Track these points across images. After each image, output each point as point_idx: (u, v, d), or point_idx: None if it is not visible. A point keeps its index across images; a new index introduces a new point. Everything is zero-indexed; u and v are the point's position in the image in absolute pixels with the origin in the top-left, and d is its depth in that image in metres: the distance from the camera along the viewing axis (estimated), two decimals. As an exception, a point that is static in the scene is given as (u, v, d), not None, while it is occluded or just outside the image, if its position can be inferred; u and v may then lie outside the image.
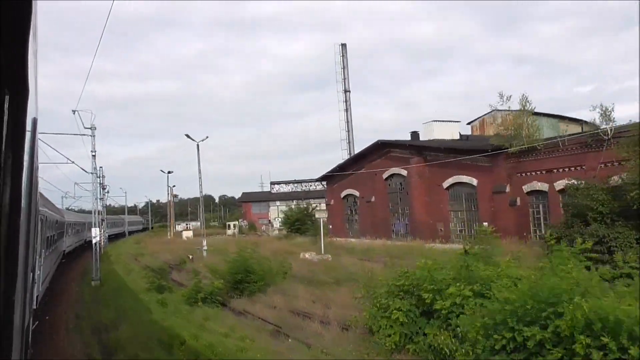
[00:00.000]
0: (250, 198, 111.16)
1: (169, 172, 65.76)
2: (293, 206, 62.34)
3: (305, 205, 60.88)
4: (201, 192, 40.83)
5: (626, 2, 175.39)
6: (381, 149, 40.39)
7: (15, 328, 1.08)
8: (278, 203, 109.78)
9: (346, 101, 55.68)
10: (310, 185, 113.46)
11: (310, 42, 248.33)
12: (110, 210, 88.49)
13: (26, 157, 1.12)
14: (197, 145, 39.35)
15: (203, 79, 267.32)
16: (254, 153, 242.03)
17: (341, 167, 46.05)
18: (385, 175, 40.36)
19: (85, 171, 29.33)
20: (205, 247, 37.83)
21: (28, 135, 1.15)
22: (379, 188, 40.91)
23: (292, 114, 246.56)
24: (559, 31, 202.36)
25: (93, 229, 28.48)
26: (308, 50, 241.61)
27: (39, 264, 11.72)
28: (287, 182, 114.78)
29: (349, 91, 55.14)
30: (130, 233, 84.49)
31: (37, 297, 12.63)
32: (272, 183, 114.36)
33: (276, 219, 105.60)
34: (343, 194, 46.30)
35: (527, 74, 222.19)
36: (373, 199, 41.59)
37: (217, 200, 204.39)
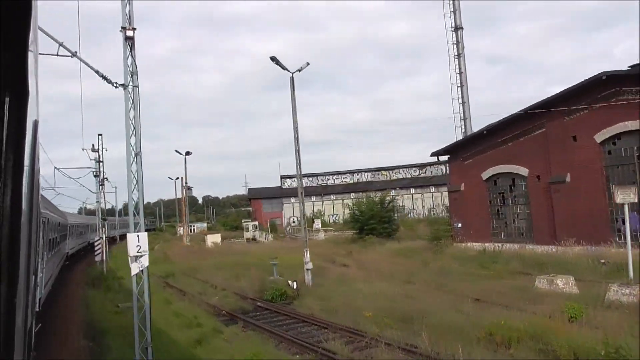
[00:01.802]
0: (260, 194, 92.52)
1: (187, 154, 47.39)
2: (362, 198, 44.81)
3: (379, 197, 43.47)
4: (299, 164, 23.13)
5: (597, 3, 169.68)
6: (596, 91, 23.12)
7: (18, 330, 1.03)
8: (293, 200, 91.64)
9: (458, 42, 38.15)
10: (328, 179, 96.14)
11: (286, 41, 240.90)
12: (91, 212, 72.53)
13: (27, 160, 1.09)
14: (292, 77, 21.64)
15: (177, 78, 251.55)
16: (231, 153, 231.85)
17: (489, 132, 28.56)
18: (601, 137, 23.22)
19: (110, 81, 10.95)
20: (309, 266, 20.03)
21: (29, 137, 1.12)
22: (584, 159, 23.71)
23: (269, 113, 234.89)
24: (532, 31, 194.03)
25: (136, 235, 10.31)
26: (284, 49, 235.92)
27: (41, 266, 11.70)
28: (302, 176, 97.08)
29: (462, 28, 37.80)
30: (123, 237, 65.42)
31: (39, 299, 11.81)
32: (283, 177, 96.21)
33: (293, 218, 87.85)
34: (486, 174, 28.87)
35: (501, 73, 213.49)
36: (567, 179, 24.43)
37: (200, 201, 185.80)
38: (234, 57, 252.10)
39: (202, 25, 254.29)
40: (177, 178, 75.30)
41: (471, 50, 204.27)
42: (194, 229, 75.50)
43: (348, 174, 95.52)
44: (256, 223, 66.52)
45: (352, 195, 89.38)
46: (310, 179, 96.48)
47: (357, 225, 40.99)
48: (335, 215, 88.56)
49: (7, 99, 0.97)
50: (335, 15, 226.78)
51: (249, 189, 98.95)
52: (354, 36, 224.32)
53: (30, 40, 1.06)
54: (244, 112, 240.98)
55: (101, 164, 28.41)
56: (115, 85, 10.40)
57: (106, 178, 27.99)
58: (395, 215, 43.76)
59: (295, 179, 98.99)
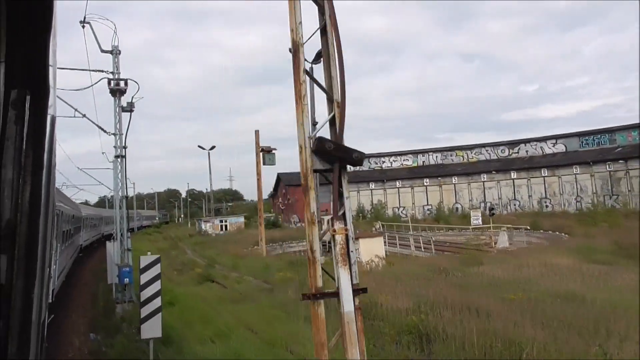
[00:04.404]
0: (300, 180, 67.70)
1: (315, 59, 23.64)
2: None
3: None
4: None
5: (568, 3, 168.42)
6: None
7: (33, 325, 1.04)
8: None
9: None
10: (384, 162, 72.64)
11: (262, 35, 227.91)
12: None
13: (45, 155, 1.08)
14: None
15: (149, 71, 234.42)
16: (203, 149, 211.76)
17: None
18: None
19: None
20: None
21: (47, 133, 1.11)
22: None
23: (243, 108, 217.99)
24: (505, 29, 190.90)
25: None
26: (260, 43, 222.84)
27: (54, 258, 11.64)
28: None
29: None
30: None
31: (52, 290, 12.22)
32: (324, 159, 72.03)
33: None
34: None
35: (475, 70, 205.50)
36: None
37: (184, 194, 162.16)
38: (209, 51, 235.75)
39: (177, 17, 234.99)
40: (212, 147, 50.65)
41: (447, 46, 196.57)
42: (225, 226, 50.80)
43: (409, 155, 72.21)
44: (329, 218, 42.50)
45: (426, 181, 66.33)
46: (360, 161, 72.57)
47: None
48: (402, 209, 65.01)
49: (28, 97, 0.96)
50: (312, 9, 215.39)
51: (278, 175, 74.16)
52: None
53: (50, 39, 1.02)
54: (218, 107, 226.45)
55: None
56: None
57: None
58: None
59: (340, 161, 74.58)
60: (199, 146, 48.41)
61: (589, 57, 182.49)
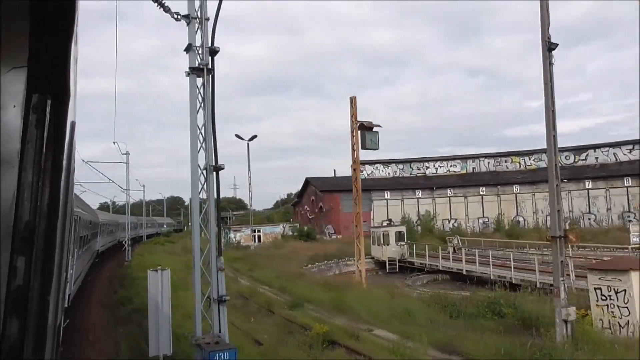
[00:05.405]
0: (335, 186, 58.46)
1: None
2: None
3: None
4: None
5: (575, 20, 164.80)
6: None
7: (49, 328, 1.06)
8: (388, 195, 58.77)
9: None
10: (427, 168, 63.80)
11: (266, 44, 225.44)
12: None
13: (64, 160, 1.10)
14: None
15: (155, 77, 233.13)
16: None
17: None
18: None
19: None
20: None
21: (67, 138, 1.13)
22: None
23: (245, 117, 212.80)
24: (511, 44, 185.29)
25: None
26: (264, 52, 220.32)
27: (71, 263, 11.59)
28: (386, 162, 63.59)
29: None
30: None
31: (69, 295, 12.02)
32: (362, 163, 63.13)
33: (385, 222, 54.55)
34: None
35: (480, 85, 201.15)
36: None
37: (187, 202, 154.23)
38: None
39: (183, 24, 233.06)
40: (254, 137, 41.75)
41: (452, 61, 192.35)
42: (259, 236, 41.95)
43: (457, 161, 63.40)
44: (400, 230, 33.63)
45: (482, 190, 57.46)
46: (401, 166, 64.16)
47: None
48: (454, 221, 56.12)
49: (49, 102, 0.98)
50: (318, 20, 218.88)
51: (307, 179, 65.27)
52: (336, 42, 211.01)
53: (72, 45, 1.03)
54: (220, 115, 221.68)
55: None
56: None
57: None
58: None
59: (378, 165, 66.41)
60: (237, 135, 39.85)
61: (593, 74, 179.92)
